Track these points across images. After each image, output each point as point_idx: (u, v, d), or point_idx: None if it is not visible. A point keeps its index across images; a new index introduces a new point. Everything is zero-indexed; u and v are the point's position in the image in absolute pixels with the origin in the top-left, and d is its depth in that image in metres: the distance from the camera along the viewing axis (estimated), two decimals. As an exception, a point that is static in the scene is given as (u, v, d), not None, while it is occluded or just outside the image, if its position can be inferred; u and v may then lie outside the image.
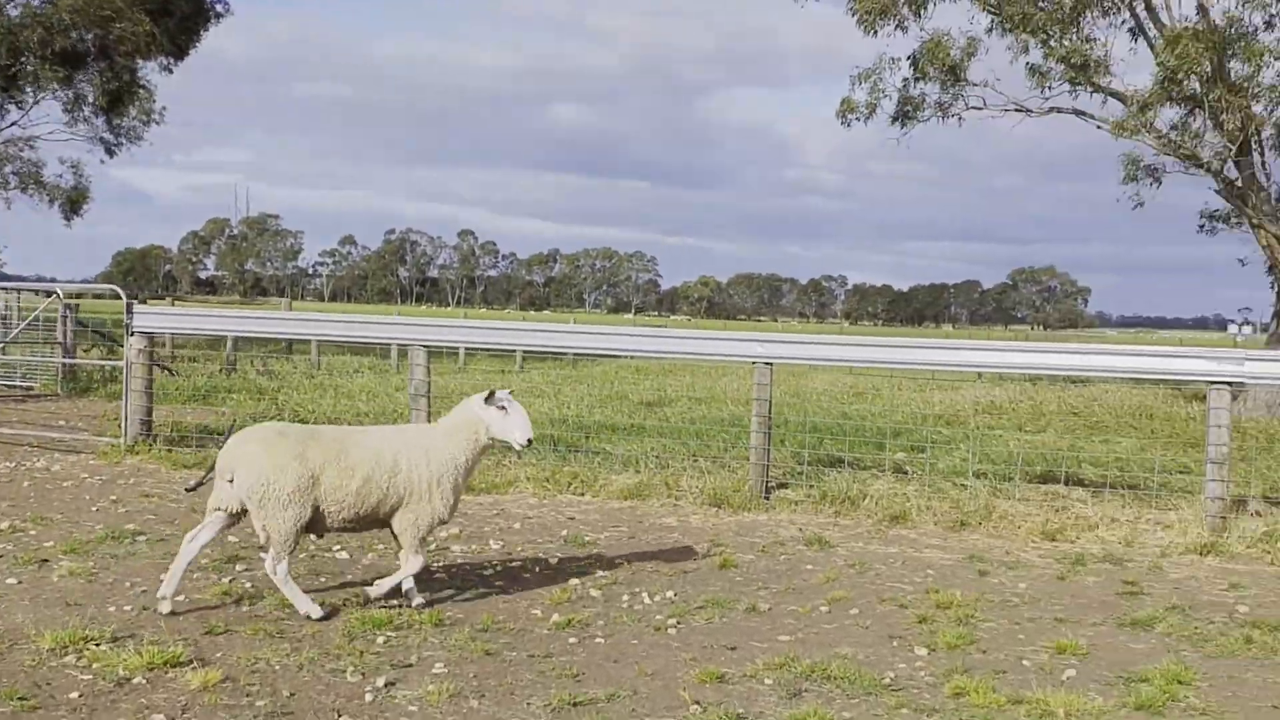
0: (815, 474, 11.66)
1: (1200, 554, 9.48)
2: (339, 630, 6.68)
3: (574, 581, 8.03)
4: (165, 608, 6.90)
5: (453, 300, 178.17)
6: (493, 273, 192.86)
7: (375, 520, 7.11)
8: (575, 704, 5.63)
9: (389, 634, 6.66)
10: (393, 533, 7.21)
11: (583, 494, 11.19)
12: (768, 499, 10.97)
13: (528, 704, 5.64)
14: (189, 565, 7.13)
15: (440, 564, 8.44)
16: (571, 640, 6.72)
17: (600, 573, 8.35)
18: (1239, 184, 23.01)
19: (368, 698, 5.66)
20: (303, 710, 5.51)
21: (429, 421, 11.87)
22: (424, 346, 11.91)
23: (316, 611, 6.90)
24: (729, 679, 6.10)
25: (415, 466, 7.07)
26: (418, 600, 7.22)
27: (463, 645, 6.50)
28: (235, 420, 14.07)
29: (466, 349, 26.39)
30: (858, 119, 25.61)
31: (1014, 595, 8.08)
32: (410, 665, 6.17)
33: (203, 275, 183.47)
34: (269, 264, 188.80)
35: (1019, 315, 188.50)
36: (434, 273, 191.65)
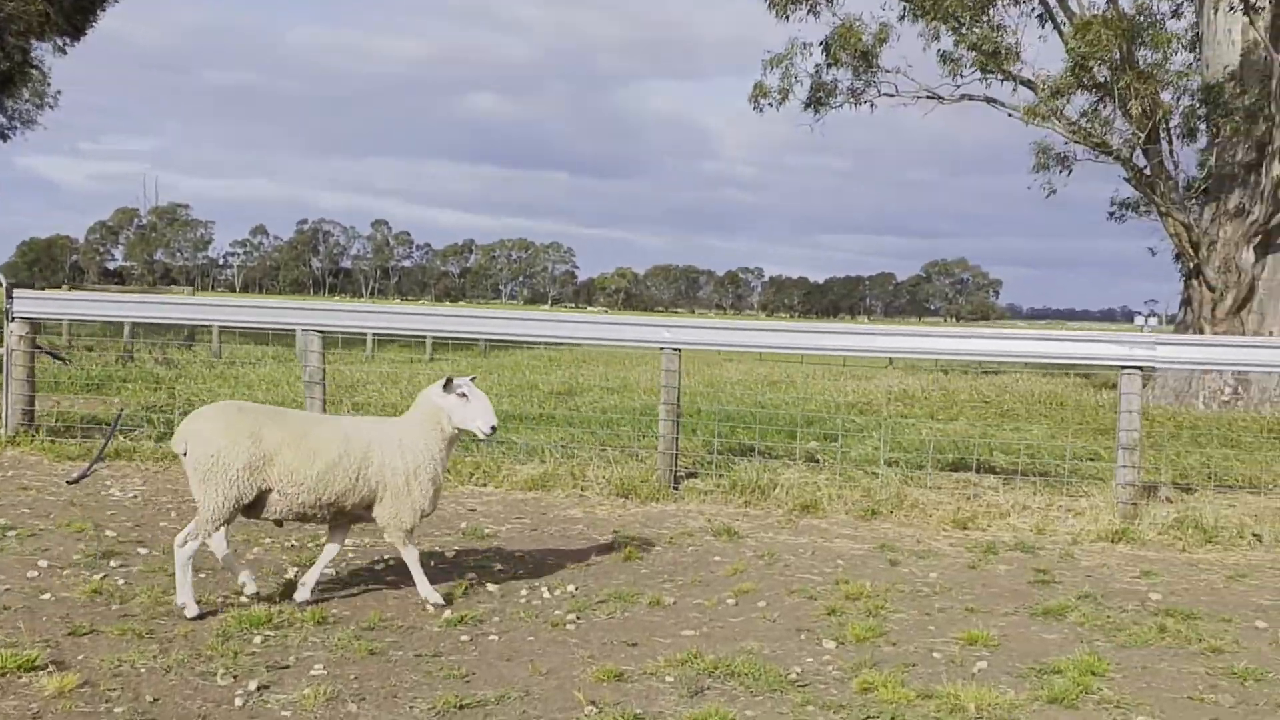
0: (726, 463, 11.40)
1: (1112, 541, 9.35)
2: (214, 630, 6.25)
3: (471, 576, 7.67)
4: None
5: (367, 291, 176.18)
6: (407, 263, 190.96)
7: (340, 511, 6.79)
8: (461, 707, 5.28)
9: (267, 633, 6.26)
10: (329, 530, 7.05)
11: (485, 485, 10.82)
12: (676, 489, 10.68)
13: (410, 707, 5.28)
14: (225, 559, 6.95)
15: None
16: (463, 638, 6.36)
17: (498, 566, 8.00)
18: (1148, 172, 23.19)
19: (237, 702, 5.26)
20: (165, 717, 5.09)
21: (323, 410, 11.43)
22: (318, 332, 11.45)
23: (193, 610, 6.49)
24: (628, 677, 5.79)
25: (389, 459, 6.80)
26: (435, 599, 6.91)
27: (346, 644, 6.11)
28: (124, 410, 13.52)
29: (375, 337, 25.82)
30: (770, 104, 25.45)
31: (925, 585, 7.87)
32: (287, 667, 5.77)
33: (111, 266, 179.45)
34: (179, 254, 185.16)
35: (932, 307, 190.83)
36: (347, 263, 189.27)
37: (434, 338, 25.72)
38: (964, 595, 7.65)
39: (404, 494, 6.83)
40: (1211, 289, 22.18)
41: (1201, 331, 21.83)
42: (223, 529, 6.75)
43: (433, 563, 8.02)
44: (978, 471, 11.41)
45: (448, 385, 6.96)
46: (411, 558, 7.01)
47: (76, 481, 10.49)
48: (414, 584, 7.02)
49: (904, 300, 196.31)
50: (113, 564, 7.61)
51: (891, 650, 6.40)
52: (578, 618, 6.82)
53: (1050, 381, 26.56)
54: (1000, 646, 6.52)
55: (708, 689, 5.65)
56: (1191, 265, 22.85)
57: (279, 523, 6.91)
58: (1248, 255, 21.85)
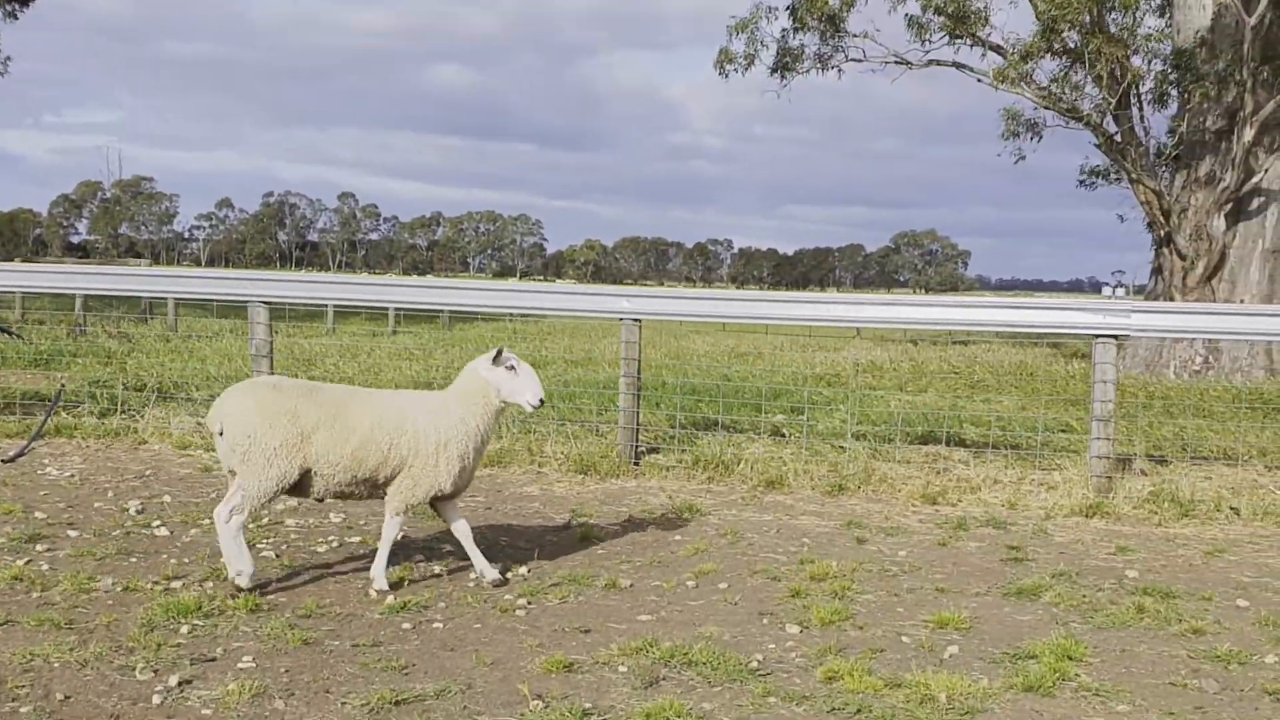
0: (689, 438, 11.05)
1: (1086, 516, 9.07)
2: (138, 620, 5.85)
3: (418, 558, 7.31)
4: (245, 582, 6.32)
5: (334, 264, 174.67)
6: (374, 236, 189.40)
7: (374, 486, 6.59)
8: (398, 702, 4.91)
9: (196, 622, 5.87)
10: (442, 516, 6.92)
11: (439, 461, 10.42)
12: (637, 465, 10.32)
13: (343, 703, 4.91)
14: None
15: (270, 540, 7.64)
16: (405, 626, 5.98)
17: (448, 548, 7.62)
18: (1119, 139, 22.90)
19: (155, 700, 4.87)
20: (74, 716, 4.71)
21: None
22: (264, 303, 11.00)
23: (245, 581, 6.29)
24: (578, 667, 5.43)
25: (421, 431, 6.58)
26: (382, 584, 6.59)
27: (279, 634, 5.73)
28: (64, 385, 13.05)
29: (335, 310, 25.32)
30: (736, 70, 25.06)
31: (893, 564, 7.55)
32: (214, 659, 5.39)
33: (75, 240, 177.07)
34: (144, 228, 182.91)
35: (901, 279, 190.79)
36: (314, 237, 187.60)
37: (395, 309, 25.25)
38: (934, 574, 7.34)
39: (430, 465, 6.59)
40: (1182, 257, 21.95)
41: (1172, 300, 21.61)
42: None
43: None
44: (947, 444, 11.11)
45: (497, 358, 6.76)
46: (390, 533, 6.71)
47: (12, 460, 10.08)
48: (357, 568, 6.66)
49: (873, 272, 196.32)
50: (39, 548, 7.20)
51: (858, 635, 6.08)
52: (528, 603, 6.46)
53: (1020, 352, 26.34)
54: (972, 629, 6.21)
55: (663, 679, 5.30)
56: (1162, 233, 22.61)
57: (320, 499, 6.73)
58: (1219, 223, 21.62)
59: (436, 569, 7.07)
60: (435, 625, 6.01)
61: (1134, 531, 8.70)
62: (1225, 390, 18.12)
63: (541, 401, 6.86)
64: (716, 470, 10.11)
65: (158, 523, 7.94)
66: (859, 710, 4.98)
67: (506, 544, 7.78)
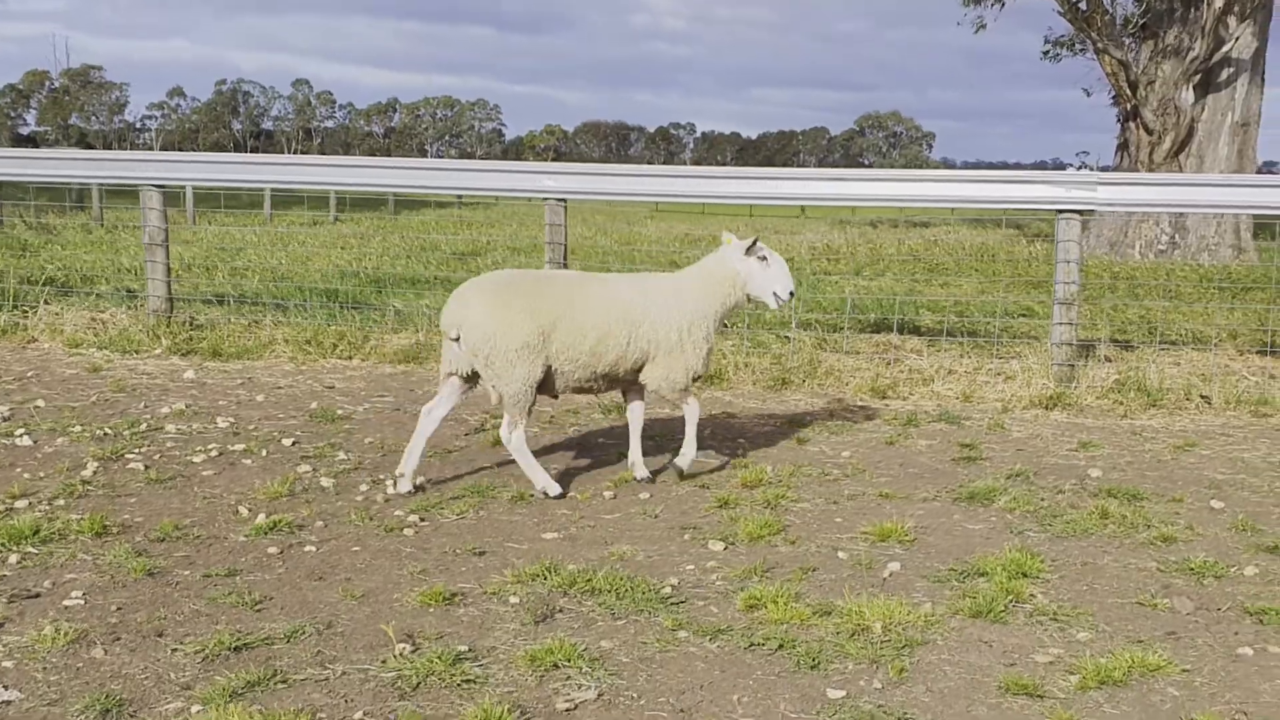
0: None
1: (1046, 408, 8.41)
2: (-39, 550, 5.09)
3: (304, 469, 6.54)
4: (405, 486, 6.12)
5: (289, 152, 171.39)
6: (330, 124, 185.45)
7: (615, 379, 6.29)
8: (237, 648, 4.16)
9: (29, 550, 5.10)
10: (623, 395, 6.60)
11: (350, 358, 9.64)
12: (566, 357, 9.54)
13: (174, 650, 4.15)
14: (428, 440, 6.28)
15: (143, 449, 6.85)
16: (271, 550, 5.23)
17: (342, 455, 6.87)
18: (1083, 6, 21.85)
19: (-51, 652, 4.13)
20: None
21: (167, 275, 10.14)
22: (156, 187, 10.06)
23: (554, 489, 6.11)
24: (463, 598, 4.71)
25: (661, 317, 6.23)
26: (643, 473, 6.46)
27: (121, 563, 4.98)
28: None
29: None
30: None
31: (835, 467, 6.85)
32: (37, 595, 4.64)
33: (24, 131, 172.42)
34: (94, 118, 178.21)
35: (866, 161, 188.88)
36: (269, 125, 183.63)
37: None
38: (878, 478, 6.66)
39: (676, 351, 6.25)
40: (1149, 131, 21.13)
41: (1138, 178, 20.86)
42: (443, 412, 6.28)
43: (264, 452, 6.87)
44: (901, 333, 10.38)
45: (751, 248, 6.33)
46: (693, 414, 6.44)
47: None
48: (233, 481, 5.89)
49: (838, 155, 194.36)
50: (-124, 465, 6.40)
51: (789, 551, 5.38)
52: (421, 519, 5.73)
53: (982, 233, 25.62)
54: (916, 542, 5.53)
55: (559, 611, 4.59)
56: (1128, 107, 21.76)
57: (554, 395, 6.34)
58: (1187, 95, 20.79)
59: (324, 482, 6.30)
60: (307, 549, 5.26)
61: (1098, 424, 8.04)
62: (1193, 270, 17.51)
63: (791, 294, 6.46)
64: (651, 363, 9.34)
65: (21, 431, 7.13)
66: (781, 646, 4.29)
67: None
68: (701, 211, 26.18)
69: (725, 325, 9.04)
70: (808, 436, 7.58)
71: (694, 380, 6.43)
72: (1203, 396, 8.52)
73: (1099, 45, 21.67)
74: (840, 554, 5.34)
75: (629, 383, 6.38)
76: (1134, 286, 14.75)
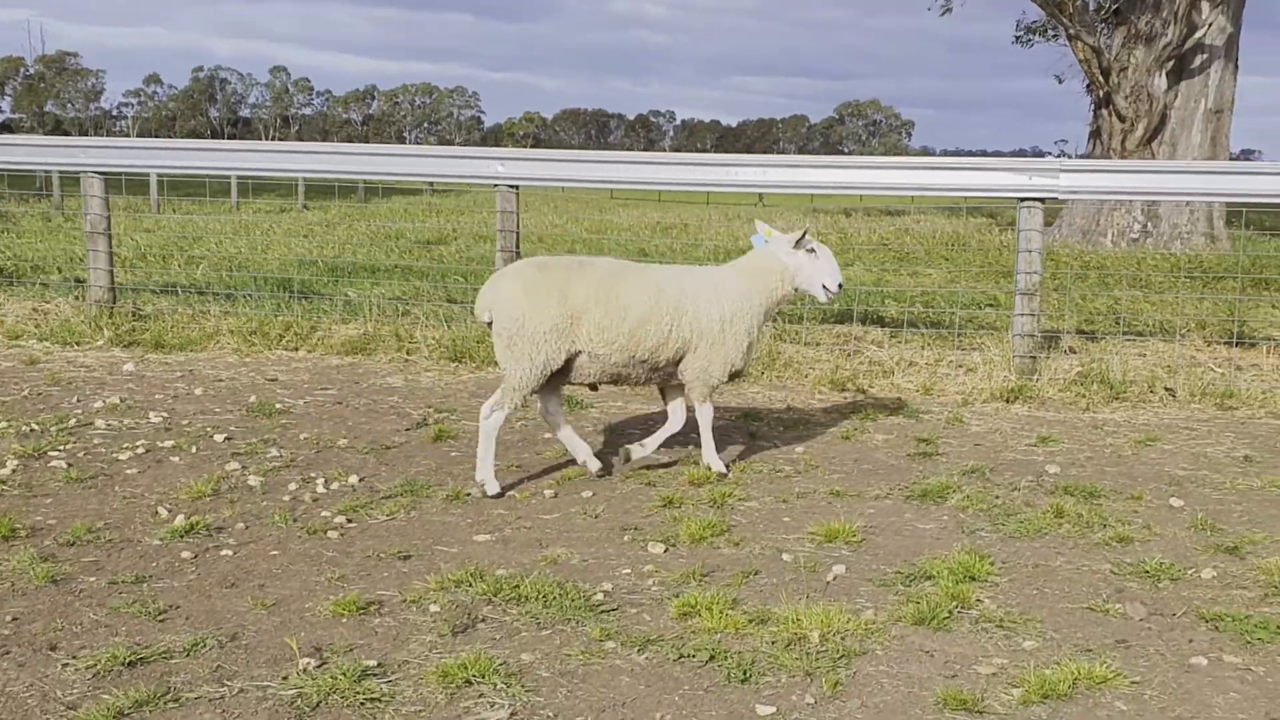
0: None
1: (1007, 401, 8.21)
2: None
3: (232, 466, 6.29)
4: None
5: (267, 140, 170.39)
6: (307, 111, 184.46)
7: (653, 370, 6.15)
8: (132, 663, 3.92)
9: (-72, 557, 4.85)
10: (658, 389, 6.51)
11: (296, 349, 9.37)
12: (520, 349, 9.30)
13: (65, 665, 3.91)
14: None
15: (70, 445, 6.59)
16: (185, 555, 4.98)
17: (274, 452, 6.61)
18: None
19: None
20: None
21: (110, 264, 9.87)
22: (98, 174, 9.77)
23: (494, 487, 5.93)
24: (380, 608, 4.47)
25: (704, 308, 6.11)
26: (719, 467, 6.36)
27: (23, 569, 4.72)
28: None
29: (239, 184, 23.89)
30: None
31: (787, 463, 6.64)
32: (-71, 608, 4.39)
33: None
34: (70, 105, 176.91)
35: (845, 150, 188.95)
36: (246, 112, 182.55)
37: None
38: (831, 474, 6.44)
39: (718, 343, 6.13)
40: (1122, 118, 20.96)
41: (1111, 165, 20.68)
42: (557, 403, 6.27)
43: (194, 449, 6.62)
44: (863, 324, 10.17)
45: (799, 241, 6.24)
46: (706, 418, 6.32)
47: None
48: (156, 480, 5.64)
49: (817, 143, 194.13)
50: None
51: (731, 553, 5.16)
52: (348, 520, 5.49)
53: (955, 221, 25.43)
54: (864, 543, 5.32)
55: (481, 621, 4.36)
56: (1101, 94, 21.57)
57: (593, 387, 6.31)
58: (1160, 82, 20.62)
59: (251, 480, 6.05)
60: (224, 554, 5.01)
61: (1058, 418, 7.84)
62: (1164, 259, 17.35)
63: (840, 287, 6.34)
64: (606, 355, 9.12)
65: (-51, 428, 6.86)
66: (712, 657, 4.07)
67: (345, 447, 6.78)
68: (702, 205, 25.92)
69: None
70: (761, 430, 7.37)
71: (731, 377, 6.31)
72: (1167, 389, 8.34)
73: (1071, 31, 21.46)
74: (785, 556, 5.13)
75: (667, 375, 6.24)
76: (1104, 276, 14.58)
